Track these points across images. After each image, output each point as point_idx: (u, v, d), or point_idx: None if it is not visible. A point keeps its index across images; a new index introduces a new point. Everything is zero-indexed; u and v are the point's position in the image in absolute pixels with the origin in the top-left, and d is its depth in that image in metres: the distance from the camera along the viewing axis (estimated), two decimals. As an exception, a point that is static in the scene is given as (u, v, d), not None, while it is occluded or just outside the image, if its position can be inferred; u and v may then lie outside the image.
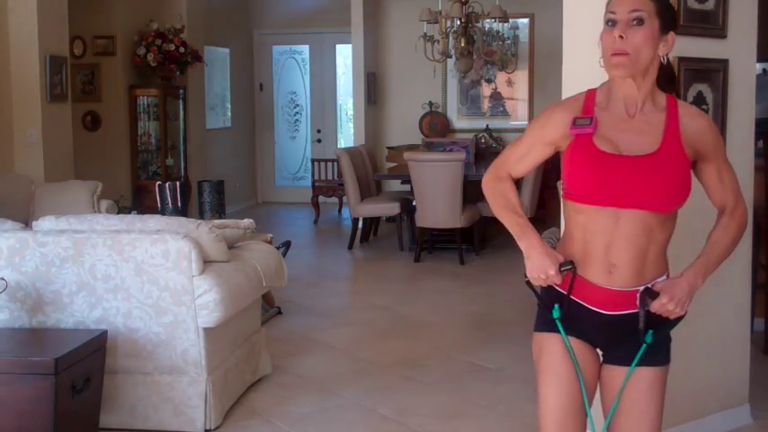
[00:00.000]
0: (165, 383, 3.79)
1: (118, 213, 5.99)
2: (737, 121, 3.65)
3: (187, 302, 3.70)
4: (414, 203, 8.02)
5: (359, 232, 8.85)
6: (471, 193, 7.94)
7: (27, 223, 4.84)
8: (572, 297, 2.17)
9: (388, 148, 10.46)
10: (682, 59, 3.38)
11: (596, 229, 2.11)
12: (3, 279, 3.67)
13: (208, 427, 3.80)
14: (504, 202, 2.28)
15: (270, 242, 5.49)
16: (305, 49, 12.19)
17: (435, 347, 5.19)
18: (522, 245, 2.19)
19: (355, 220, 8.82)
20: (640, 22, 2.06)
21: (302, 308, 6.20)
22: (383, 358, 4.96)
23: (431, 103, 10.79)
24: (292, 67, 12.29)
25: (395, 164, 9.62)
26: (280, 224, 10.32)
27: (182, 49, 8.87)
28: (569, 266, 2.13)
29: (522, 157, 2.29)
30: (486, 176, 2.35)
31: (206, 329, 3.75)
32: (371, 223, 9.13)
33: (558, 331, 2.20)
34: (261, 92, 12.29)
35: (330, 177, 10.81)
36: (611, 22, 2.09)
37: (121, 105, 8.81)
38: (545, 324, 2.24)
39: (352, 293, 7.15)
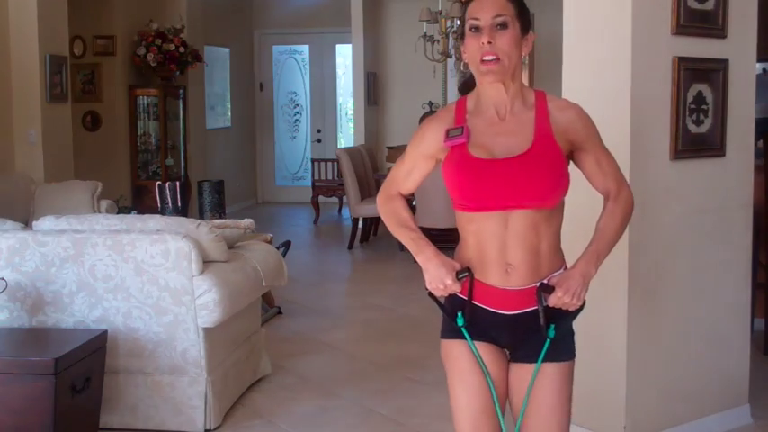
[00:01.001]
0: (165, 383, 3.79)
1: (118, 213, 5.99)
2: (737, 122, 3.65)
3: (187, 302, 3.70)
4: (414, 203, 8.03)
5: (359, 232, 8.86)
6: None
7: (27, 223, 4.84)
8: (474, 302, 2.20)
9: (388, 148, 10.46)
10: (682, 59, 3.38)
11: (488, 234, 2.14)
12: (3, 279, 3.67)
13: (208, 427, 3.80)
14: (397, 220, 2.34)
15: (270, 242, 5.49)
16: (305, 49, 12.19)
17: (435, 347, 5.15)
18: (418, 258, 2.24)
19: (355, 220, 8.82)
20: (504, 26, 2.09)
21: (302, 308, 6.20)
22: (383, 358, 4.96)
23: (431, 103, 10.78)
24: (292, 67, 12.30)
25: (395, 164, 9.61)
26: (280, 224, 10.32)
27: (182, 49, 8.87)
28: (465, 273, 2.18)
29: (408, 174, 2.34)
30: (379, 198, 2.41)
31: (206, 329, 3.75)
32: (371, 223, 9.13)
33: (464, 337, 2.22)
34: (261, 92, 12.30)
35: (330, 177, 10.81)
36: (474, 29, 2.12)
37: (121, 105, 8.81)
38: (451, 331, 2.27)
39: (353, 293, 7.15)
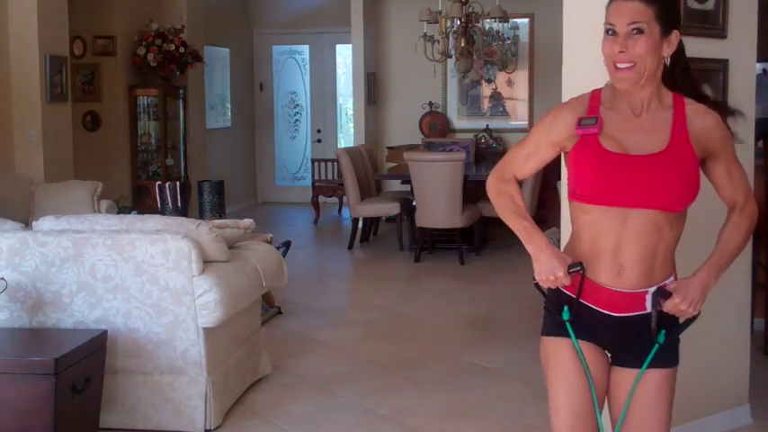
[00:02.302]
0: (165, 383, 3.79)
1: (118, 213, 5.99)
2: (737, 121, 3.64)
3: (187, 302, 3.70)
4: (414, 203, 8.03)
5: (359, 232, 8.85)
6: (471, 193, 7.94)
7: (27, 223, 4.84)
8: (581, 300, 2.15)
9: (388, 148, 10.46)
10: (682, 59, 3.37)
11: (604, 230, 2.09)
12: (3, 279, 3.67)
13: (208, 427, 3.80)
14: (509, 205, 2.26)
15: (270, 242, 5.49)
16: (305, 49, 12.18)
17: (435, 347, 5.19)
18: (529, 248, 2.17)
19: (355, 220, 8.82)
20: (640, 32, 2.04)
21: (302, 308, 6.20)
22: (383, 358, 4.96)
23: (431, 103, 10.79)
24: (292, 67, 12.29)
25: (395, 164, 9.62)
26: (280, 224, 10.32)
27: (182, 49, 8.87)
28: (578, 268, 2.12)
29: (528, 158, 2.27)
30: (491, 178, 2.32)
31: (206, 329, 3.75)
32: (371, 223, 9.12)
33: (567, 335, 2.18)
34: (261, 92, 12.29)
35: (330, 177, 10.81)
36: (611, 32, 2.08)
37: (121, 105, 8.81)
38: (553, 328, 2.22)
39: (352, 293, 7.15)
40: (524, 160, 2.28)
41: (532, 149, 2.26)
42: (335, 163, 10.35)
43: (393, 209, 8.40)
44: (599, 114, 2.12)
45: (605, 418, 2.24)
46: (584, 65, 3.47)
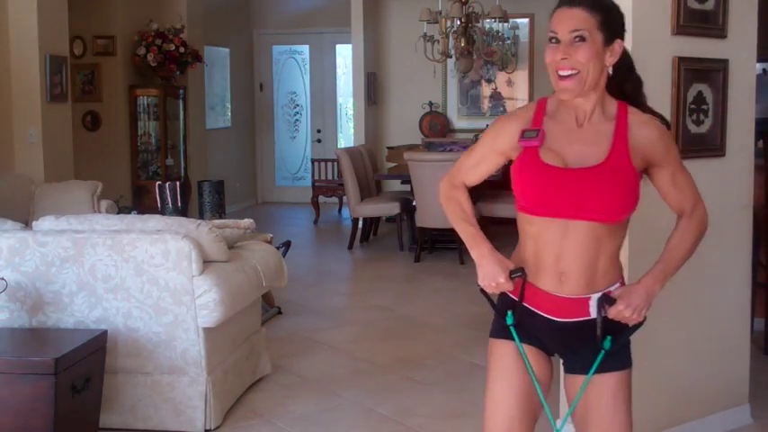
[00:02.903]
0: (165, 383, 3.79)
1: (118, 213, 5.99)
2: (737, 121, 3.65)
3: (187, 302, 3.70)
4: (414, 203, 8.03)
5: (359, 232, 8.85)
6: (471, 192, 7.93)
7: (27, 223, 4.84)
8: (525, 304, 2.18)
9: (388, 148, 10.46)
10: (682, 59, 3.38)
11: (546, 240, 2.12)
12: (3, 279, 3.67)
13: (208, 427, 3.80)
14: (457, 211, 2.33)
15: (270, 242, 5.49)
16: (305, 49, 12.19)
17: (435, 347, 5.19)
18: (473, 254, 2.23)
19: (355, 220, 8.82)
20: (582, 39, 2.06)
21: (302, 308, 6.20)
22: (383, 358, 4.96)
23: (431, 103, 10.79)
24: (292, 67, 12.30)
25: (395, 164, 9.62)
26: (280, 224, 10.32)
27: (182, 49, 8.87)
28: (519, 273, 2.16)
29: (476, 166, 2.32)
30: (442, 184, 2.39)
31: (206, 329, 3.75)
32: (371, 223, 9.13)
33: (512, 338, 2.21)
34: (261, 92, 12.30)
35: (330, 177, 10.81)
36: (554, 39, 2.09)
37: (121, 105, 8.81)
38: (499, 331, 2.26)
39: (352, 293, 7.15)
40: (472, 168, 2.33)
41: (480, 158, 2.31)
42: (335, 163, 10.36)
43: (393, 209, 8.40)
44: (542, 127, 2.14)
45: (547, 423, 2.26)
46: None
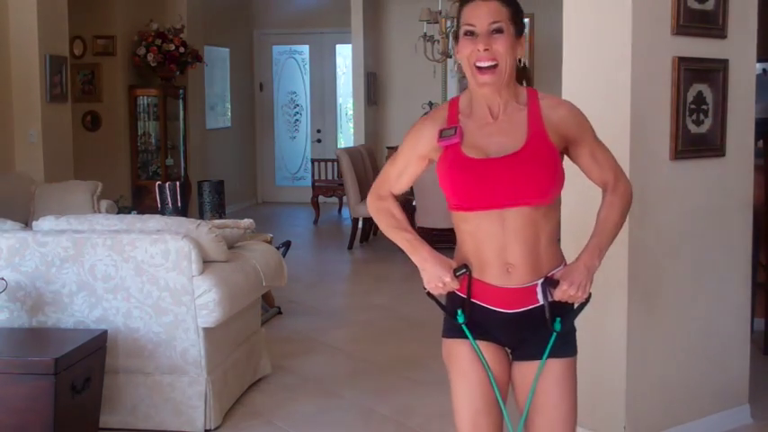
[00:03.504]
0: (165, 383, 3.79)
1: (118, 213, 5.99)
2: (737, 121, 3.65)
3: (187, 302, 3.70)
4: (414, 203, 8.03)
5: (359, 232, 8.86)
6: (402, 193, 7.94)
7: (27, 223, 4.84)
8: (474, 300, 2.20)
9: (388, 148, 10.46)
10: (682, 59, 3.38)
11: (485, 234, 2.14)
12: (3, 279, 3.67)
13: (208, 427, 3.80)
14: (390, 221, 2.36)
15: (270, 242, 5.49)
16: (305, 49, 12.19)
17: (435, 347, 5.16)
18: (414, 259, 2.25)
19: (355, 220, 8.82)
20: (499, 31, 2.09)
21: (302, 308, 6.20)
22: (383, 358, 4.96)
23: (431, 103, 10.78)
24: (292, 67, 12.30)
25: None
26: (280, 224, 10.32)
27: (182, 49, 8.87)
28: (464, 270, 2.18)
29: (401, 174, 2.34)
30: (369, 197, 2.41)
31: (206, 329, 3.75)
32: (371, 223, 9.12)
33: (465, 336, 2.22)
34: (261, 92, 12.30)
35: (330, 177, 10.81)
36: (469, 33, 2.12)
37: (121, 105, 8.81)
38: (452, 330, 2.27)
39: (353, 293, 7.15)
40: (397, 177, 2.36)
41: (403, 166, 2.33)
42: (335, 163, 10.36)
43: (393, 209, 8.38)
44: (458, 124, 2.17)
45: (512, 415, 2.26)
46: (584, 65, 3.47)
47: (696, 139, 3.48)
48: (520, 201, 2.09)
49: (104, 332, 3.65)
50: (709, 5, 3.45)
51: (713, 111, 3.52)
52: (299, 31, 12.00)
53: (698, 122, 3.48)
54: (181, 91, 9.26)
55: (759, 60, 3.82)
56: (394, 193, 2.39)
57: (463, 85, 10.77)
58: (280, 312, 5.98)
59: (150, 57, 8.68)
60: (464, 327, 2.22)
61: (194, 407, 3.78)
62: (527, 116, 2.15)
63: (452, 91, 10.81)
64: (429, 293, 2.25)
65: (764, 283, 4.91)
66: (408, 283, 7.09)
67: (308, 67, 12.23)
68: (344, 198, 9.36)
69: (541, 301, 2.16)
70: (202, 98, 10.11)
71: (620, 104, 3.29)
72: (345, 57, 11.83)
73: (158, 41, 8.73)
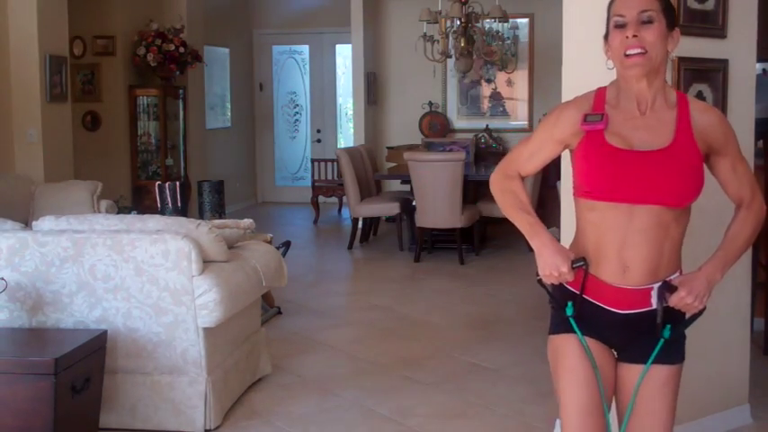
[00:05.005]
0: (164, 383, 3.79)
1: (118, 213, 5.99)
2: (737, 121, 3.63)
3: (187, 302, 3.70)
4: (414, 203, 8.03)
5: (359, 232, 8.85)
6: (471, 193, 7.94)
7: (27, 223, 4.84)
8: (585, 296, 2.15)
9: (388, 148, 10.46)
10: (682, 59, 3.38)
11: (610, 227, 2.10)
12: (3, 279, 3.67)
13: (208, 427, 3.80)
14: (514, 201, 2.28)
15: (270, 242, 5.49)
16: (305, 49, 12.19)
17: (435, 347, 5.19)
18: (533, 243, 2.18)
19: (355, 220, 8.82)
20: (650, 20, 2.07)
21: (302, 308, 6.20)
22: (383, 358, 4.96)
23: (431, 103, 10.79)
24: (292, 67, 12.29)
25: (395, 164, 9.62)
26: (280, 224, 10.32)
27: (182, 49, 8.87)
28: (581, 263, 2.12)
29: (533, 155, 2.28)
30: (495, 175, 2.34)
31: (206, 329, 3.75)
32: (371, 223, 9.13)
33: (573, 331, 2.18)
34: (261, 92, 12.29)
35: (330, 177, 10.81)
36: (619, 25, 2.10)
37: (121, 105, 8.81)
38: (559, 325, 2.23)
39: (352, 293, 7.15)
40: (528, 158, 2.29)
41: (537, 147, 2.27)
42: (335, 163, 10.36)
43: (393, 209, 8.40)
44: (605, 111, 2.13)
45: (613, 414, 2.24)
46: (584, 65, 3.47)
47: (696, 139, 3.48)
48: (654, 199, 2.05)
49: (104, 332, 3.65)
50: (709, 5, 3.45)
51: (713, 111, 3.52)
52: (298, 31, 11.99)
53: (698, 122, 3.47)
54: (181, 91, 9.25)
55: (759, 60, 3.82)
56: (522, 174, 2.32)
57: (464, 85, 10.77)
58: (280, 312, 5.98)
59: (150, 57, 8.68)
60: (572, 320, 2.17)
61: (194, 407, 3.78)
62: (676, 116, 2.11)
63: (452, 91, 10.81)
64: (540, 281, 2.19)
65: (764, 283, 4.91)
66: (408, 283, 7.10)
67: (307, 67, 12.22)
68: (344, 198, 9.36)
69: (655, 305, 2.12)
70: (202, 98, 10.10)
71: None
72: (345, 57, 11.82)
73: (158, 41, 8.72)
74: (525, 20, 10.46)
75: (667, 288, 2.10)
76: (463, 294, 6.61)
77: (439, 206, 7.62)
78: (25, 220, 5.38)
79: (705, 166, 2.17)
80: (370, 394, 4.33)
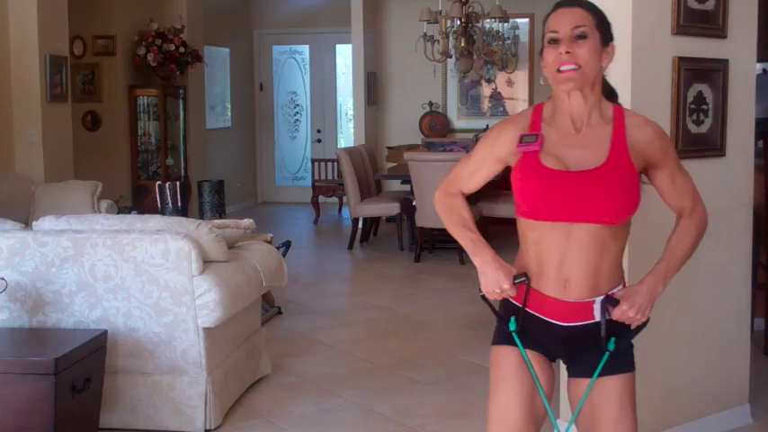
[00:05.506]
0: (165, 383, 3.79)
1: (118, 213, 5.99)
2: (737, 121, 3.65)
3: (187, 302, 3.70)
4: (414, 203, 8.03)
5: (359, 232, 8.86)
6: (471, 193, 7.93)
7: (27, 223, 4.84)
8: (528, 310, 2.18)
9: (388, 148, 10.46)
10: (682, 59, 3.38)
11: (549, 245, 2.12)
12: (3, 279, 3.67)
13: (208, 427, 3.80)
14: (457, 219, 2.31)
15: (270, 242, 5.49)
16: (305, 49, 12.19)
17: (435, 347, 5.19)
18: (475, 260, 2.21)
19: (355, 220, 8.82)
20: (583, 36, 2.07)
21: (302, 308, 6.20)
22: (383, 358, 4.96)
23: (431, 103, 10.79)
24: (292, 67, 12.30)
25: (395, 164, 9.62)
26: (280, 224, 10.32)
27: (182, 49, 8.87)
28: (523, 279, 2.16)
29: (474, 173, 2.32)
30: (438, 193, 2.38)
31: (206, 329, 3.75)
32: (371, 223, 9.13)
33: (515, 344, 2.20)
34: (261, 92, 12.30)
35: (330, 177, 10.81)
36: (552, 41, 2.10)
37: (121, 105, 8.81)
38: (502, 337, 2.25)
39: (352, 293, 7.15)
40: (470, 176, 2.33)
41: (477, 165, 2.31)
42: (335, 163, 10.36)
43: (393, 209, 8.40)
44: (540, 131, 2.14)
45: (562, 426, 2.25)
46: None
47: (696, 139, 3.48)
48: (591, 218, 2.06)
49: (104, 332, 3.65)
50: (710, 5, 3.45)
51: (713, 111, 3.52)
52: (299, 31, 12.00)
53: (698, 122, 3.48)
54: (181, 91, 9.25)
55: (759, 60, 3.82)
56: (464, 191, 2.35)
57: (464, 85, 10.77)
58: (280, 312, 5.98)
59: (150, 57, 8.68)
60: (515, 335, 2.19)
61: (194, 407, 3.78)
62: (611, 133, 2.11)
63: (452, 91, 10.82)
64: (483, 297, 2.22)
65: (764, 283, 4.91)
66: (408, 283, 7.10)
67: (308, 67, 12.23)
68: (344, 198, 9.36)
69: (598, 318, 2.13)
70: (202, 98, 10.10)
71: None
72: (345, 57, 11.82)
73: (158, 41, 8.73)
74: (525, 20, 10.46)
75: (610, 302, 2.12)
76: (463, 294, 6.60)
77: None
78: (25, 220, 5.38)
79: (645, 177, 2.18)
80: (370, 394, 4.33)
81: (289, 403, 4.22)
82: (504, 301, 2.23)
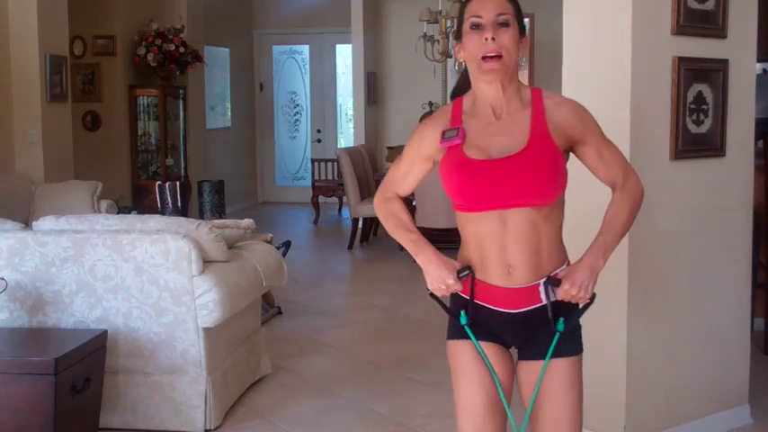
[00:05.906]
0: (165, 383, 3.79)
1: (118, 213, 5.99)
2: (737, 122, 3.65)
3: (187, 302, 3.70)
4: (414, 203, 8.03)
5: (359, 232, 8.86)
6: (407, 195, 7.94)
7: (27, 223, 4.84)
8: (477, 301, 2.19)
9: (388, 148, 10.46)
10: (682, 59, 3.38)
11: (487, 234, 2.14)
12: (3, 279, 3.67)
13: (208, 427, 3.80)
14: (396, 222, 2.33)
15: (270, 242, 5.49)
16: (305, 49, 12.19)
17: (435, 347, 5.18)
18: (419, 260, 2.24)
19: (355, 220, 8.82)
20: (506, 23, 2.10)
21: (302, 308, 6.20)
22: (383, 358, 4.96)
23: (431, 103, 10.78)
24: (292, 67, 12.30)
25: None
26: (280, 224, 10.33)
27: (182, 49, 8.87)
28: (467, 272, 2.18)
29: (406, 176, 2.34)
30: (376, 199, 2.41)
31: (206, 329, 3.75)
32: (371, 223, 9.13)
33: (468, 337, 2.22)
34: (261, 92, 12.30)
35: (330, 177, 10.81)
36: (475, 26, 2.11)
37: (121, 105, 8.81)
38: (455, 332, 2.26)
39: (352, 293, 7.15)
40: (402, 178, 2.35)
41: (408, 166, 2.32)
42: (335, 163, 10.36)
43: (393, 209, 8.38)
44: (461, 125, 2.16)
45: (516, 412, 2.25)
46: (584, 65, 3.47)
47: (696, 139, 3.48)
48: (520, 202, 2.09)
49: (104, 332, 3.65)
50: (709, 5, 3.45)
51: (713, 111, 3.52)
52: (299, 31, 12.00)
53: (698, 122, 3.48)
54: (181, 91, 9.26)
55: (759, 60, 3.82)
56: (399, 194, 2.38)
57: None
58: (280, 312, 5.98)
59: (150, 57, 8.69)
60: (467, 328, 2.21)
61: (194, 407, 3.78)
62: (530, 116, 2.14)
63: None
64: (432, 294, 2.25)
65: (764, 283, 4.91)
66: (408, 283, 7.10)
67: (308, 67, 12.23)
68: (344, 198, 9.36)
69: (544, 301, 2.15)
70: (202, 98, 10.11)
71: (620, 104, 3.29)
72: (345, 57, 11.83)
73: (158, 41, 8.73)
74: (525, 20, 10.41)
75: (552, 282, 2.14)
76: (463, 294, 6.60)
77: (439, 206, 7.61)
78: (25, 220, 5.39)
79: (575, 155, 2.20)
80: (369, 394, 4.33)
81: (289, 403, 4.22)
82: (454, 296, 2.25)
